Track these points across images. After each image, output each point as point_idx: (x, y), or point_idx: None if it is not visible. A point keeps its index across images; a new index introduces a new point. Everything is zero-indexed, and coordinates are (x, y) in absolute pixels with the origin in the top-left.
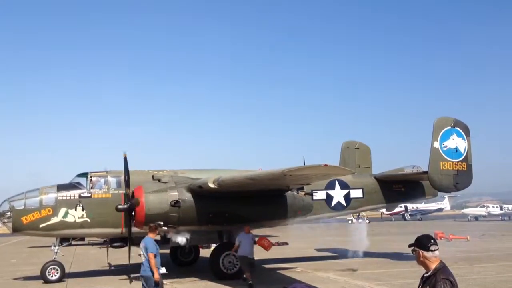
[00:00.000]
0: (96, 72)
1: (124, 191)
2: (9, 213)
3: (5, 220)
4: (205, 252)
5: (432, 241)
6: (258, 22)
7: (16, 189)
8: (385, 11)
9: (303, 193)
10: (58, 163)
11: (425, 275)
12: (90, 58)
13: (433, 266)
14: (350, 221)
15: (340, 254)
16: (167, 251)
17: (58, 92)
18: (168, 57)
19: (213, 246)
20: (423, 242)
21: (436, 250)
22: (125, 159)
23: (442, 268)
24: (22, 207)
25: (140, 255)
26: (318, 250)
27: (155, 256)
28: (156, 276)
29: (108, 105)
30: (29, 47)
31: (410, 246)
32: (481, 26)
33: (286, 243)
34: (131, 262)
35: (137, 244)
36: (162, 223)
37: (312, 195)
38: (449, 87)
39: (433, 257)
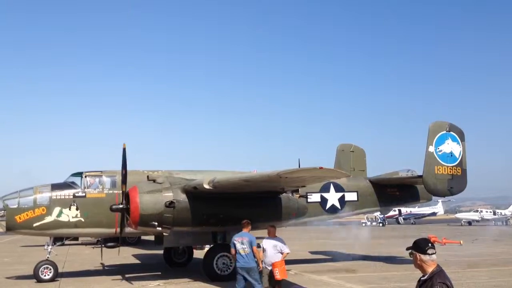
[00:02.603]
0: (94, 72)
1: (118, 192)
2: (2, 211)
3: None
4: (199, 254)
5: (430, 244)
6: (258, 24)
7: (8, 188)
8: (384, 16)
9: (297, 195)
10: (52, 162)
11: (422, 278)
12: (88, 58)
13: (430, 269)
14: (363, 224)
15: (334, 256)
16: (161, 251)
17: (54, 91)
18: (165, 57)
19: (207, 247)
20: (421, 246)
21: (433, 254)
22: (124, 150)
23: (439, 272)
24: (16, 206)
25: (242, 249)
26: (312, 252)
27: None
28: (261, 266)
29: (104, 105)
30: (29, 46)
31: (408, 249)
32: (481, 32)
33: None
34: (122, 262)
35: (130, 244)
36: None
37: (306, 197)
38: (444, 92)
39: (430, 261)
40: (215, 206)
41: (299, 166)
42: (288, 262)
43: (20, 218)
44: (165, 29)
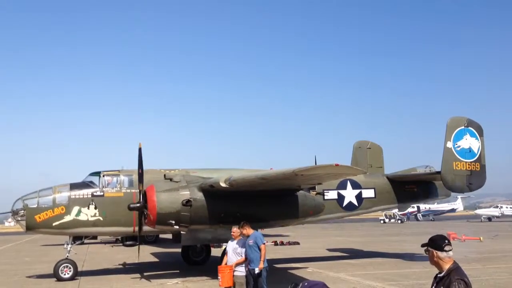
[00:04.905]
0: (108, 71)
1: (136, 191)
2: (22, 211)
3: (19, 219)
4: (216, 252)
5: (446, 241)
6: (270, 23)
7: (27, 188)
8: (399, 15)
9: (314, 192)
10: (70, 162)
11: (438, 275)
12: (103, 58)
13: (446, 266)
14: (382, 221)
15: (351, 254)
16: (179, 250)
17: (70, 91)
18: (180, 57)
19: (224, 245)
20: (437, 242)
21: (450, 250)
22: (140, 150)
23: (456, 269)
24: (35, 206)
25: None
26: (330, 250)
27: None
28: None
29: (121, 105)
30: (44, 44)
31: (423, 246)
32: (503, 30)
33: (298, 243)
34: (141, 261)
35: (148, 242)
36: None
37: (323, 194)
38: (462, 88)
39: (447, 258)
40: (232, 204)
41: (315, 164)
42: (305, 259)
43: (39, 217)
44: (182, 29)
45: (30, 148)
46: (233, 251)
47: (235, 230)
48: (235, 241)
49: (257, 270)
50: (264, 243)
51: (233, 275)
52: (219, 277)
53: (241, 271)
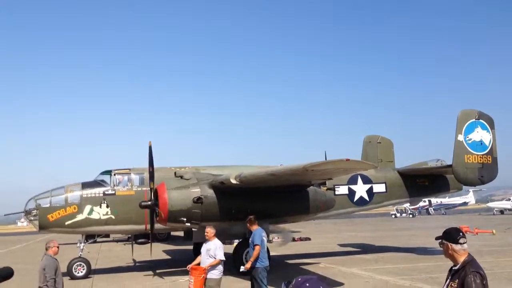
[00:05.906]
0: (116, 72)
1: (147, 189)
2: (35, 211)
3: (32, 218)
4: (227, 248)
5: (461, 234)
6: (280, 24)
7: (36, 188)
8: (408, 13)
9: (325, 188)
10: (74, 162)
11: (453, 268)
12: (111, 59)
13: (461, 259)
14: (393, 216)
15: (363, 249)
16: (190, 247)
17: (80, 91)
18: (191, 59)
19: (236, 242)
20: (452, 235)
21: (465, 243)
22: (150, 148)
23: (471, 261)
24: (48, 205)
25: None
26: (342, 245)
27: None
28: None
29: (131, 104)
30: (50, 46)
31: (437, 238)
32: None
33: (309, 239)
34: (153, 258)
35: (159, 240)
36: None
37: (334, 190)
38: (472, 81)
39: (462, 250)
40: (242, 200)
41: (326, 159)
42: (317, 255)
43: (52, 217)
44: (194, 31)
45: (33, 149)
46: (207, 252)
47: (208, 230)
48: (209, 242)
49: (241, 269)
50: (258, 244)
51: (206, 278)
52: (191, 280)
53: (214, 273)
